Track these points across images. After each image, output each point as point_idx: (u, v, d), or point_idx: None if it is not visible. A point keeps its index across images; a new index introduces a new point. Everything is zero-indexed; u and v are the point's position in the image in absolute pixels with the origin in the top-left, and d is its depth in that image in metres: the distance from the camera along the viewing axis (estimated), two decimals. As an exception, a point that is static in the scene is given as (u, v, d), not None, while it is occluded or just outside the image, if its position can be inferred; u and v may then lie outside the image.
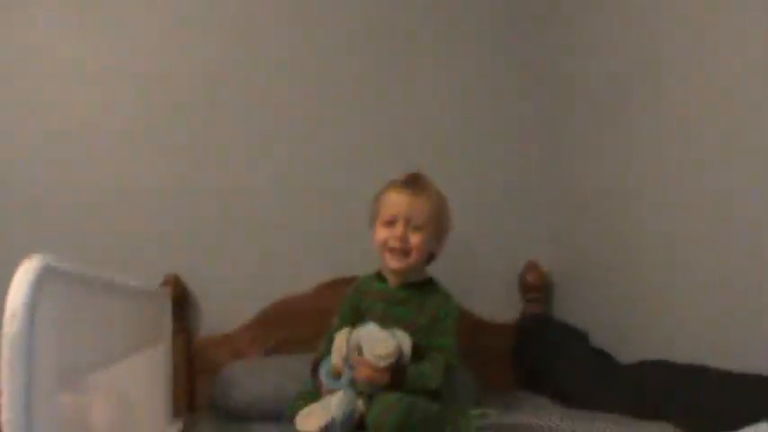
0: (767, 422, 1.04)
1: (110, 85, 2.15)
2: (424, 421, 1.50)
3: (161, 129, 2.17)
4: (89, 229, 2.08)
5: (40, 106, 2.10)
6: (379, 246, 1.76)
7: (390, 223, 1.73)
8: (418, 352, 1.66)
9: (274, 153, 2.23)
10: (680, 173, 1.66)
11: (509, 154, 2.36)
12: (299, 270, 2.18)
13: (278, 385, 1.82)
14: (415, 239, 1.72)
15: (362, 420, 1.54)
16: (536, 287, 2.23)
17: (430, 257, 1.82)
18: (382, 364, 1.58)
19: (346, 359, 1.59)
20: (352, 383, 1.57)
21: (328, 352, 1.66)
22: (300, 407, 1.63)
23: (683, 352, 1.58)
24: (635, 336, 1.85)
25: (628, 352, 1.83)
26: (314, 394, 1.66)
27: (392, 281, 1.79)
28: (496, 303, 2.26)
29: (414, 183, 1.77)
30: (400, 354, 1.61)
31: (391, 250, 1.73)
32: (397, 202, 1.74)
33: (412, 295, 1.76)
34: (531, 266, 2.25)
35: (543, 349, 2.04)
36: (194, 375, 2.05)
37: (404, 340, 1.64)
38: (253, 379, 1.86)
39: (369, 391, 1.56)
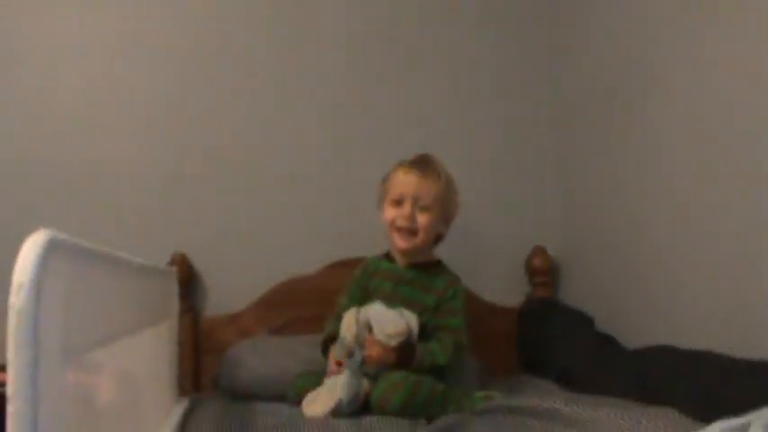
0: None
1: (120, 64, 2.15)
2: (428, 400, 1.51)
3: (169, 109, 2.17)
4: (97, 208, 2.09)
5: (47, 85, 2.11)
6: (387, 225, 1.78)
7: (398, 203, 1.75)
8: (425, 332, 1.68)
9: (282, 135, 2.23)
10: (689, 159, 1.65)
11: (519, 138, 2.35)
12: (306, 251, 2.18)
13: (283, 365, 1.82)
14: (422, 219, 1.73)
15: (368, 399, 1.55)
16: (543, 271, 2.23)
17: (437, 239, 1.84)
18: (393, 343, 1.59)
19: (356, 338, 1.59)
20: (363, 362, 1.58)
21: (337, 331, 1.66)
22: (302, 386, 1.64)
23: (690, 338, 1.57)
24: (641, 321, 1.85)
25: (634, 338, 1.83)
26: (315, 373, 1.66)
27: (400, 261, 1.81)
28: (503, 287, 2.26)
29: (422, 163, 1.79)
30: (409, 333, 1.62)
31: (399, 229, 1.75)
32: (405, 181, 1.76)
33: (420, 275, 1.77)
34: (539, 251, 2.25)
35: (549, 333, 2.04)
36: (200, 355, 2.06)
37: (411, 320, 1.64)
38: (258, 359, 1.87)
39: (377, 371, 1.57)
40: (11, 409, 0.60)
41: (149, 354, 1.43)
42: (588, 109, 2.13)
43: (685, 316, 1.67)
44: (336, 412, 1.51)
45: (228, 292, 2.13)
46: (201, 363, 2.06)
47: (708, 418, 1.05)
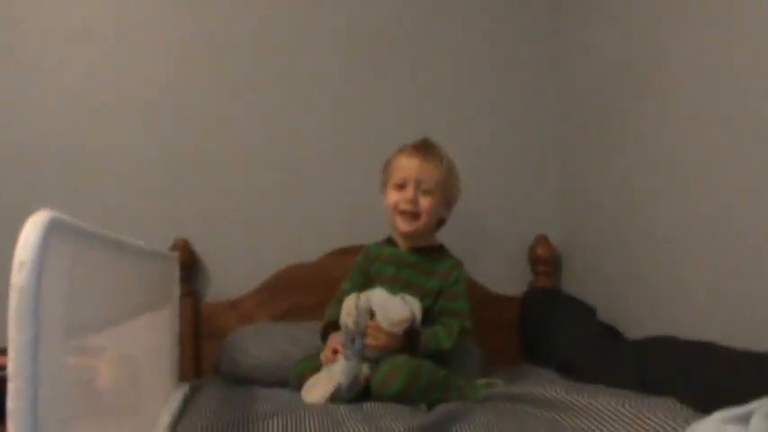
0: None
1: (125, 50, 2.14)
2: (429, 385, 1.52)
3: (172, 95, 2.17)
4: (100, 192, 2.09)
5: (50, 71, 2.10)
6: (389, 209, 1.80)
7: (401, 186, 1.77)
8: (427, 316, 1.68)
9: (285, 121, 2.22)
10: (692, 148, 1.64)
11: (522, 127, 2.34)
12: (307, 238, 2.18)
13: (284, 351, 1.82)
14: (424, 203, 1.75)
15: (368, 384, 1.55)
16: (545, 261, 2.23)
17: (439, 223, 1.85)
18: (397, 330, 1.59)
19: (356, 324, 1.59)
20: (364, 349, 1.57)
21: (337, 317, 1.66)
22: (304, 369, 1.64)
23: (691, 329, 1.57)
24: (643, 312, 1.85)
25: (635, 328, 1.83)
26: (317, 357, 1.67)
27: (402, 245, 1.83)
28: (505, 276, 2.26)
29: (424, 148, 1.81)
30: (413, 319, 1.62)
31: (402, 213, 1.76)
32: (407, 165, 1.77)
33: (422, 259, 1.79)
34: (541, 240, 2.24)
35: (551, 323, 2.04)
36: (201, 340, 2.07)
37: (415, 305, 1.65)
38: (259, 345, 1.87)
39: (380, 355, 1.57)
40: (11, 387, 0.60)
41: (150, 338, 1.43)
42: (592, 98, 2.12)
43: (687, 307, 1.67)
44: (335, 397, 1.51)
45: (230, 278, 2.13)
46: (202, 348, 2.06)
47: (708, 409, 1.06)
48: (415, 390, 1.49)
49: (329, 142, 2.23)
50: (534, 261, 2.24)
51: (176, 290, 1.83)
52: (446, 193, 1.81)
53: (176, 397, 1.58)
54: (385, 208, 1.83)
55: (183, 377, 1.88)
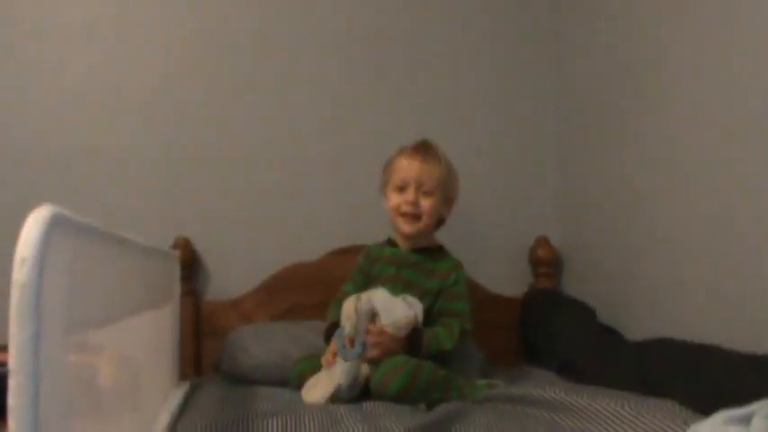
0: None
1: (124, 51, 2.14)
2: (429, 384, 1.52)
3: (174, 95, 2.17)
4: (101, 191, 2.09)
5: (51, 69, 2.10)
6: (391, 211, 1.81)
7: (402, 188, 1.78)
8: (428, 316, 1.69)
9: (285, 121, 2.22)
10: (693, 149, 1.64)
11: (523, 128, 2.34)
12: (308, 237, 2.18)
13: (284, 351, 1.82)
14: (425, 204, 1.76)
15: (368, 383, 1.55)
16: (546, 262, 2.23)
17: (439, 222, 1.86)
18: (403, 333, 1.59)
19: (355, 328, 1.59)
20: (365, 352, 1.57)
21: (338, 318, 1.66)
22: (303, 369, 1.64)
23: (692, 331, 1.57)
24: (643, 313, 1.85)
25: (636, 330, 1.83)
26: (317, 357, 1.67)
27: (403, 245, 1.84)
28: (506, 277, 2.26)
29: (424, 149, 1.82)
30: (416, 320, 1.62)
31: (403, 215, 1.77)
32: (408, 167, 1.78)
33: (423, 260, 1.80)
34: (542, 241, 2.24)
35: (551, 324, 2.04)
36: (201, 339, 2.07)
37: (417, 306, 1.65)
38: (259, 344, 1.87)
39: (380, 359, 1.57)
40: (12, 383, 0.60)
41: (151, 336, 1.43)
42: (591, 98, 2.12)
43: (687, 307, 1.67)
44: (335, 398, 1.51)
45: (230, 277, 2.14)
46: (202, 347, 2.06)
47: (708, 411, 1.06)
48: (415, 389, 1.49)
49: (329, 142, 2.23)
50: (535, 262, 2.24)
51: (177, 288, 1.83)
52: (446, 192, 1.83)
53: (176, 395, 1.58)
54: (386, 210, 1.84)
55: (183, 375, 1.88)
